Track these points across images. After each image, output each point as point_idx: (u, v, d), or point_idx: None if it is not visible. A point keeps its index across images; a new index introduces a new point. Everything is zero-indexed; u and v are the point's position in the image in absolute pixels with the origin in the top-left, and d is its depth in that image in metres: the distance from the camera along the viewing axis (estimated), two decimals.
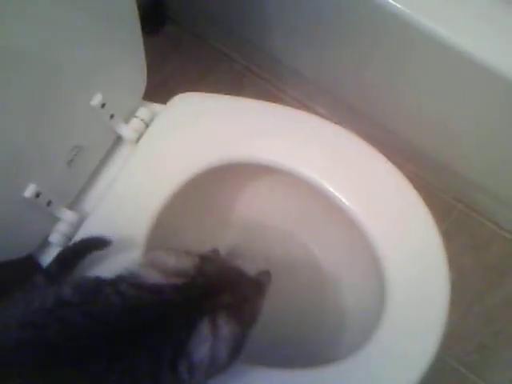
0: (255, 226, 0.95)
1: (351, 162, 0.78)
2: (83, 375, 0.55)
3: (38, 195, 0.71)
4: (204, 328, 0.59)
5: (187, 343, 0.58)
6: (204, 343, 0.59)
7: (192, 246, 0.66)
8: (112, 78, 0.76)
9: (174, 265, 0.63)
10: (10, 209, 0.70)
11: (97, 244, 0.72)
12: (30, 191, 0.70)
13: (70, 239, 0.77)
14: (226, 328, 0.60)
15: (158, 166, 0.79)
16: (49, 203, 0.73)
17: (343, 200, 0.76)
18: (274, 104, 0.83)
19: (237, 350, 0.62)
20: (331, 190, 0.76)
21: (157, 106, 0.84)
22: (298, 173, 0.78)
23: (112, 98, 0.76)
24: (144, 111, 0.82)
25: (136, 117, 0.82)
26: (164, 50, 1.37)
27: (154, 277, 0.61)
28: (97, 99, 0.74)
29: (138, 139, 0.82)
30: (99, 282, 0.62)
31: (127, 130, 0.81)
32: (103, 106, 0.75)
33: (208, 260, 0.66)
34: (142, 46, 0.78)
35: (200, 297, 0.62)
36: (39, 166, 0.71)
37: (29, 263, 0.78)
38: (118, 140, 0.83)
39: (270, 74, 1.34)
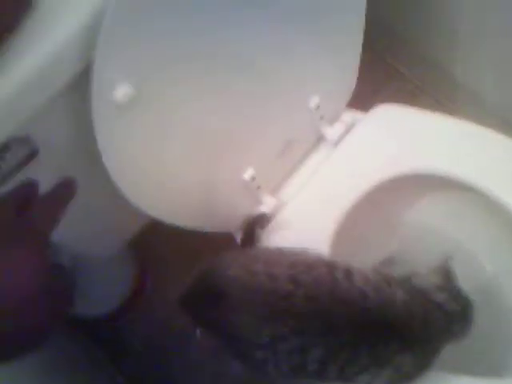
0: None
1: None
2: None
3: (253, 179, 0.79)
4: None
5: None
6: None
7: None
8: (329, 83, 0.83)
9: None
10: (230, 188, 0.79)
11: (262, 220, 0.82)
12: (248, 174, 0.79)
13: None
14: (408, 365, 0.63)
15: (353, 168, 0.85)
16: (258, 187, 0.82)
17: None
18: (471, 124, 0.85)
19: None
20: None
21: (358, 114, 0.90)
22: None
23: (326, 102, 0.83)
24: (347, 116, 0.89)
25: (340, 121, 0.88)
26: None
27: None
28: (314, 101, 0.81)
29: (337, 141, 0.88)
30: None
31: (331, 132, 0.87)
32: (318, 108, 0.82)
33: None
34: (359, 57, 0.84)
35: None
36: (258, 154, 0.80)
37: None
38: (320, 139, 0.89)
39: (446, 98, 1.34)
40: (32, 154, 0.52)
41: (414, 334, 0.63)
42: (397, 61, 1.42)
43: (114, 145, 0.57)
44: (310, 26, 0.72)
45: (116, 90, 0.53)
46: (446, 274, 0.70)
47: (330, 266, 0.65)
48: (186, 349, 1.22)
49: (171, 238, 1.11)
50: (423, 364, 0.65)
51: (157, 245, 1.23)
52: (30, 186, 0.43)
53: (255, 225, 0.82)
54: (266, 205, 0.85)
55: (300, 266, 0.65)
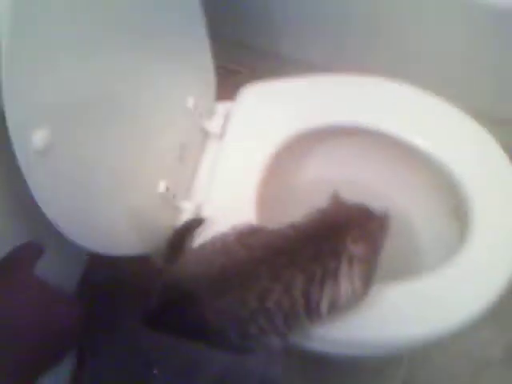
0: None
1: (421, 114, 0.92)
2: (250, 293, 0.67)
3: (167, 189, 0.83)
4: (345, 262, 0.71)
5: (337, 269, 0.70)
6: (345, 278, 0.70)
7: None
8: (196, 83, 0.90)
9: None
10: (150, 204, 0.82)
11: (195, 223, 0.85)
12: (162, 186, 0.82)
13: None
14: (358, 264, 0.71)
15: (248, 147, 0.92)
16: (174, 196, 0.86)
17: (427, 148, 0.89)
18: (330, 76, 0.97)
19: (369, 282, 0.74)
20: (412, 140, 0.90)
21: (228, 103, 0.98)
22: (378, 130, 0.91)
23: (199, 100, 0.90)
24: (220, 108, 0.96)
25: (217, 114, 0.96)
26: None
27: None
28: (190, 102, 0.87)
29: (222, 133, 0.95)
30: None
31: (213, 125, 0.94)
32: (195, 107, 0.88)
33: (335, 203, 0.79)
34: (210, 56, 0.92)
35: (334, 233, 0.74)
36: (163, 166, 0.84)
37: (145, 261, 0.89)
38: (207, 136, 0.96)
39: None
40: None
41: None
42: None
43: (43, 184, 0.58)
44: (161, 47, 0.79)
45: (32, 136, 0.54)
46: None
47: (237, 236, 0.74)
48: None
49: None
50: None
51: None
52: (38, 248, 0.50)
53: (187, 232, 0.85)
54: (187, 210, 0.89)
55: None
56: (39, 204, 0.57)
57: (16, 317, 0.43)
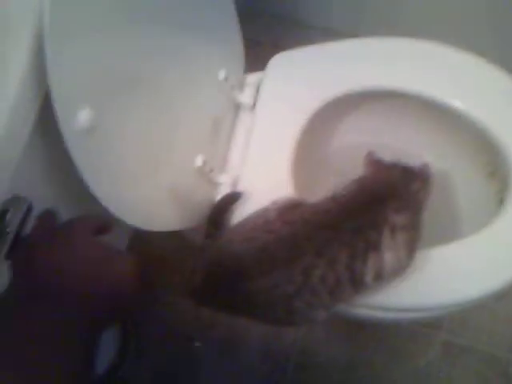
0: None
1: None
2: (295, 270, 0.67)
3: (205, 163, 0.83)
4: (387, 233, 0.70)
5: (379, 241, 0.70)
6: (388, 249, 0.70)
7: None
8: (227, 55, 0.89)
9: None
10: (189, 180, 0.82)
11: (234, 197, 0.85)
12: (199, 160, 0.82)
13: None
14: (402, 233, 0.71)
15: (280, 117, 0.91)
16: (211, 170, 0.86)
17: (462, 108, 0.87)
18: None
19: (413, 249, 0.73)
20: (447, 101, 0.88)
21: (259, 73, 0.97)
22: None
23: (230, 72, 0.89)
24: (252, 79, 0.95)
25: (247, 85, 0.95)
26: None
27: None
28: (221, 74, 0.87)
29: (254, 104, 0.94)
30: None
31: (245, 96, 0.94)
32: (226, 79, 0.88)
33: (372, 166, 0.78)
34: (239, 28, 0.91)
35: (375, 203, 0.73)
36: (198, 140, 0.84)
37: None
38: (239, 107, 0.95)
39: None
40: (29, 209, 0.52)
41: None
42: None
43: (90, 163, 0.59)
44: (191, 22, 0.78)
45: (78, 116, 0.55)
46: None
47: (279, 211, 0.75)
48: (197, 374, 1.23)
49: None
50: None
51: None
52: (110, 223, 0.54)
53: (226, 206, 0.85)
54: (224, 184, 0.89)
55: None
56: (85, 180, 0.58)
57: (77, 273, 0.45)
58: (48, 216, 0.53)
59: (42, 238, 0.49)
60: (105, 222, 0.53)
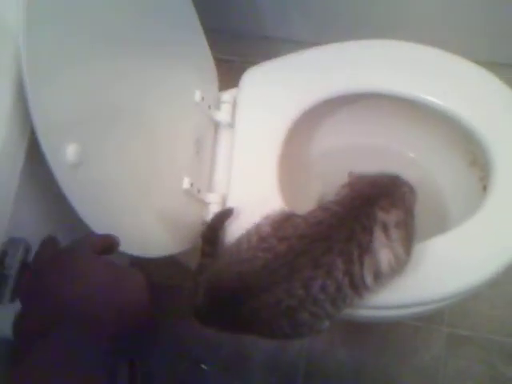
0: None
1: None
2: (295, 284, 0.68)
3: (191, 185, 0.83)
4: (379, 232, 0.71)
5: (370, 242, 0.71)
6: (383, 248, 0.71)
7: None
8: (200, 76, 0.90)
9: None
10: (178, 203, 0.82)
11: (225, 214, 0.85)
12: (186, 183, 0.83)
13: None
14: (395, 230, 0.72)
15: (260, 130, 0.92)
16: (199, 190, 0.86)
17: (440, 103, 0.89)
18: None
19: (410, 245, 0.74)
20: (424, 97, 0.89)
21: (233, 90, 0.97)
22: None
23: (206, 91, 0.89)
24: (227, 96, 0.96)
25: (224, 103, 0.96)
26: None
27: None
28: (198, 96, 0.87)
29: (232, 121, 0.95)
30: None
31: (222, 114, 0.94)
32: (203, 99, 0.88)
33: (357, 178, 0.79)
34: (209, 50, 0.92)
35: (366, 205, 0.74)
36: (183, 163, 0.84)
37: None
38: (218, 126, 0.96)
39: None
40: (27, 248, 0.52)
41: None
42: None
43: (81, 195, 0.58)
44: (161, 49, 0.78)
45: (65, 152, 0.55)
46: None
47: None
48: None
49: None
50: None
51: None
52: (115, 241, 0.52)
53: (219, 224, 0.85)
54: (213, 202, 0.89)
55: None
56: (78, 212, 0.57)
57: (89, 294, 0.44)
58: (50, 241, 0.52)
59: (47, 264, 0.47)
60: (108, 241, 0.52)
